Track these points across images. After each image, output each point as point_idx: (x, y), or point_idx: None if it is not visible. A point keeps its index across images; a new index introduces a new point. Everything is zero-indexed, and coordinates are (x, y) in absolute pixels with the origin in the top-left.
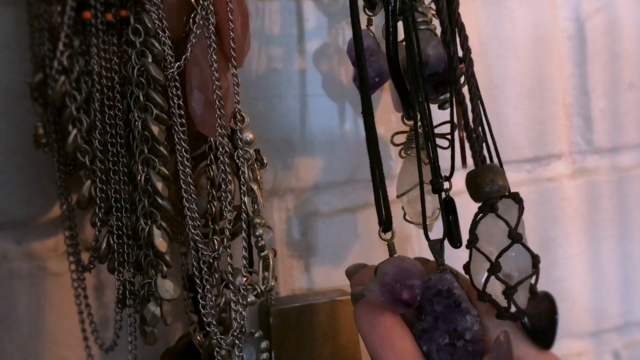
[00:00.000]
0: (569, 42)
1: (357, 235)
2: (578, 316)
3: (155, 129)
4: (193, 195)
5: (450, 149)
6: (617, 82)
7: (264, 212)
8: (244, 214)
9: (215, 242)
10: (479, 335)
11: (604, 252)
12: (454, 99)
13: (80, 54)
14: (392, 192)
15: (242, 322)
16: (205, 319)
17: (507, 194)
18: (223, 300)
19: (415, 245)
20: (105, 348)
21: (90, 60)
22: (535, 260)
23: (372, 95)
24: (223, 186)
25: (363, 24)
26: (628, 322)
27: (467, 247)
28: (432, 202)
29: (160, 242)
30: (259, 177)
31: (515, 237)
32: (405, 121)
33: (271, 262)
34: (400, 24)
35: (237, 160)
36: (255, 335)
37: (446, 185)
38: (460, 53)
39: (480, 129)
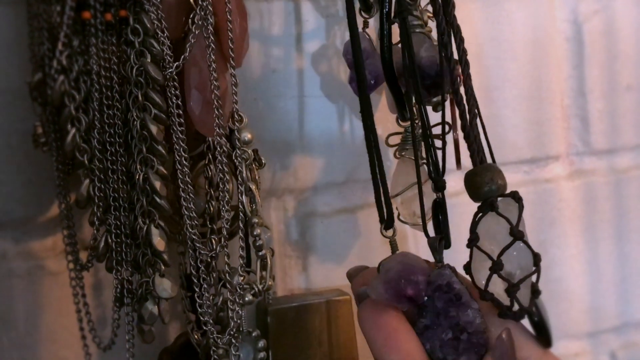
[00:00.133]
0: (567, 44)
1: (355, 236)
2: (575, 317)
3: (153, 129)
4: (191, 195)
5: (442, 150)
6: (615, 84)
7: (262, 212)
8: (241, 214)
9: (213, 241)
10: (482, 327)
11: (601, 253)
12: (451, 100)
13: (80, 53)
14: None
15: (238, 321)
16: (202, 318)
17: (506, 193)
18: (220, 299)
19: (412, 245)
20: (103, 347)
21: (89, 60)
22: (536, 258)
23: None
24: (221, 186)
25: (359, 27)
26: (625, 323)
27: (468, 246)
28: (426, 202)
29: (158, 241)
30: (257, 177)
31: (517, 234)
32: (400, 123)
33: (269, 262)
34: (395, 27)
35: (235, 160)
36: (253, 335)
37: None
38: (456, 55)
39: (477, 129)
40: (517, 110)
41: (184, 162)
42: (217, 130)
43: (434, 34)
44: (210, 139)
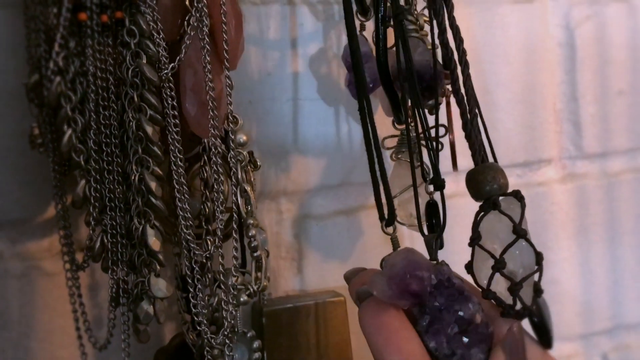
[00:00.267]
0: (560, 49)
1: (350, 238)
2: (568, 319)
3: (149, 130)
4: (186, 196)
5: (434, 152)
6: (607, 89)
7: (256, 214)
8: (236, 215)
9: (208, 242)
10: (486, 320)
11: (593, 256)
12: (447, 103)
13: (76, 55)
14: None
15: (233, 322)
16: (196, 319)
17: (507, 192)
18: (216, 300)
19: (408, 245)
20: (99, 346)
21: (85, 61)
22: (539, 257)
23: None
24: (215, 187)
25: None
26: (617, 325)
27: (470, 245)
28: (423, 204)
29: (154, 241)
30: (252, 179)
31: (520, 232)
32: (396, 126)
33: (264, 263)
34: (390, 30)
35: (230, 162)
36: (248, 335)
37: (430, 188)
38: (455, 55)
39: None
40: (510, 114)
41: (179, 163)
42: (212, 131)
43: (429, 39)
44: (205, 140)
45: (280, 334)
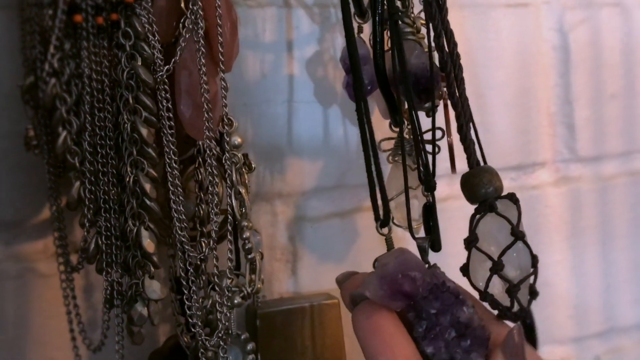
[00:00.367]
0: (553, 52)
1: (344, 241)
2: (560, 322)
3: (144, 132)
4: (180, 198)
5: (426, 154)
6: (600, 92)
7: (251, 216)
8: (230, 217)
9: (203, 244)
10: (482, 323)
11: (586, 259)
12: (444, 105)
13: (71, 57)
14: None
15: (227, 324)
16: (191, 320)
17: (503, 195)
18: (210, 302)
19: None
20: (93, 348)
21: (80, 63)
22: (534, 259)
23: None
24: (210, 189)
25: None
26: (610, 329)
27: (467, 247)
28: (419, 207)
29: (148, 243)
30: (246, 181)
31: (518, 234)
32: (393, 128)
33: (258, 265)
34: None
35: (225, 164)
36: (242, 337)
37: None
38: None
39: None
40: (504, 118)
41: (174, 165)
42: (207, 133)
43: (426, 41)
44: (200, 142)
45: (274, 336)
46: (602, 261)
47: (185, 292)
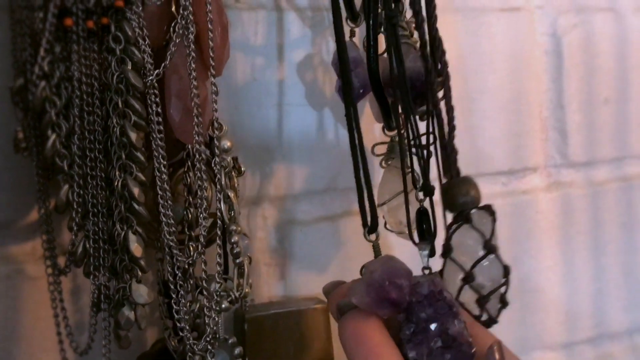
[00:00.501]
0: (546, 57)
1: (334, 244)
2: (551, 327)
3: (133, 135)
4: (169, 202)
5: (423, 159)
6: (593, 97)
7: (240, 220)
8: (219, 221)
9: (191, 248)
10: (470, 339)
11: (577, 265)
12: (434, 110)
13: (61, 60)
14: None
15: (215, 328)
16: (178, 325)
17: (480, 205)
18: (198, 306)
19: (397, 254)
20: (80, 351)
21: (70, 66)
22: (506, 270)
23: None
24: (199, 193)
25: (346, 35)
26: (600, 335)
27: (442, 256)
28: (413, 211)
29: (136, 247)
30: (236, 185)
31: (490, 248)
32: (386, 132)
33: (246, 269)
34: (381, 37)
35: (214, 168)
36: (229, 342)
37: (421, 195)
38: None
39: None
40: (495, 122)
41: (163, 169)
42: (197, 137)
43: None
44: (189, 146)
45: (263, 340)
46: (593, 267)
47: (173, 296)
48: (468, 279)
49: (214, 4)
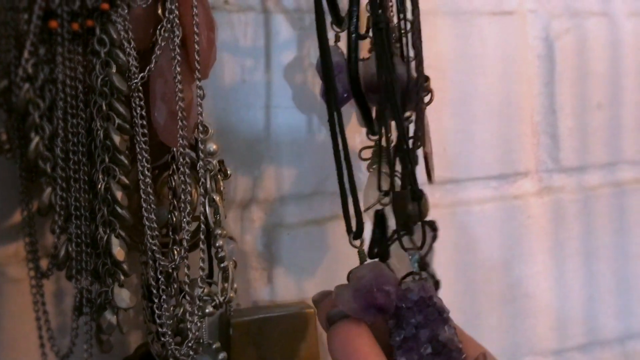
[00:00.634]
0: (539, 61)
1: (322, 248)
2: (541, 334)
3: (116, 139)
4: (152, 205)
5: (412, 163)
6: (585, 102)
7: (225, 223)
8: (203, 225)
9: (175, 252)
10: (460, 346)
11: (568, 271)
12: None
13: (46, 62)
14: None
15: (196, 333)
16: (160, 329)
17: (425, 220)
18: (181, 310)
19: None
20: (61, 355)
21: (55, 68)
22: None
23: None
24: (182, 197)
25: (331, 40)
26: (592, 342)
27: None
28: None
29: (118, 250)
30: (222, 188)
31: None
32: (370, 137)
33: (231, 274)
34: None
35: (199, 171)
36: (213, 347)
37: (385, 200)
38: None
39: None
40: (487, 126)
41: (146, 172)
42: (181, 141)
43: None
44: (174, 149)
45: (248, 345)
46: (584, 273)
47: (156, 300)
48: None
49: (200, 6)
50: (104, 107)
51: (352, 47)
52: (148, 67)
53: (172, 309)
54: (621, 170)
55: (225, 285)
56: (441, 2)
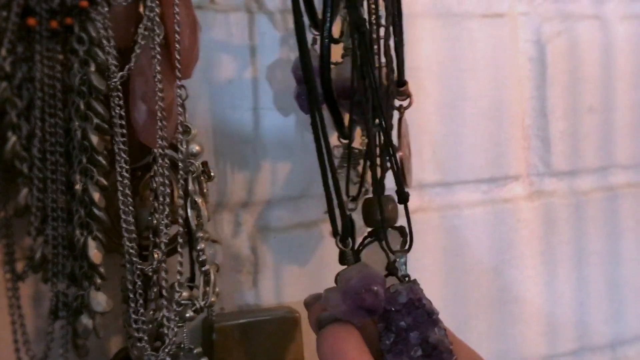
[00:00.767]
0: (530, 64)
1: (309, 252)
2: (531, 339)
3: (94, 139)
4: (130, 207)
5: (399, 166)
6: (577, 105)
7: (207, 226)
8: (182, 228)
9: (155, 255)
10: (451, 347)
11: (559, 275)
12: (399, 120)
13: (24, 60)
14: None
15: (173, 338)
16: (136, 334)
17: (395, 226)
18: (161, 314)
19: None
20: None
21: (33, 67)
22: None
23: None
24: (161, 199)
25: (309, 43)
26: (582, 347)
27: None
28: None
29: (95, 253)
30: (205, 190)
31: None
32: (341, 140)
33: (212, 277)
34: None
35: (180, 172)
36: (194, 352)
37: (352, 205)
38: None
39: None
40: (476, 129)
41: (125, 173)
42: (160, 142)
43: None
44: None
45: (232, 350)
46: (575, 277)
47: (132, 305)
48: None
49: (182, 5)
50: (82, 107)
51: (325, 52)
52: (128, 66)
53: (151, 313)
54: (613, 175)
55: (207, 289)
56: (431, 5)
